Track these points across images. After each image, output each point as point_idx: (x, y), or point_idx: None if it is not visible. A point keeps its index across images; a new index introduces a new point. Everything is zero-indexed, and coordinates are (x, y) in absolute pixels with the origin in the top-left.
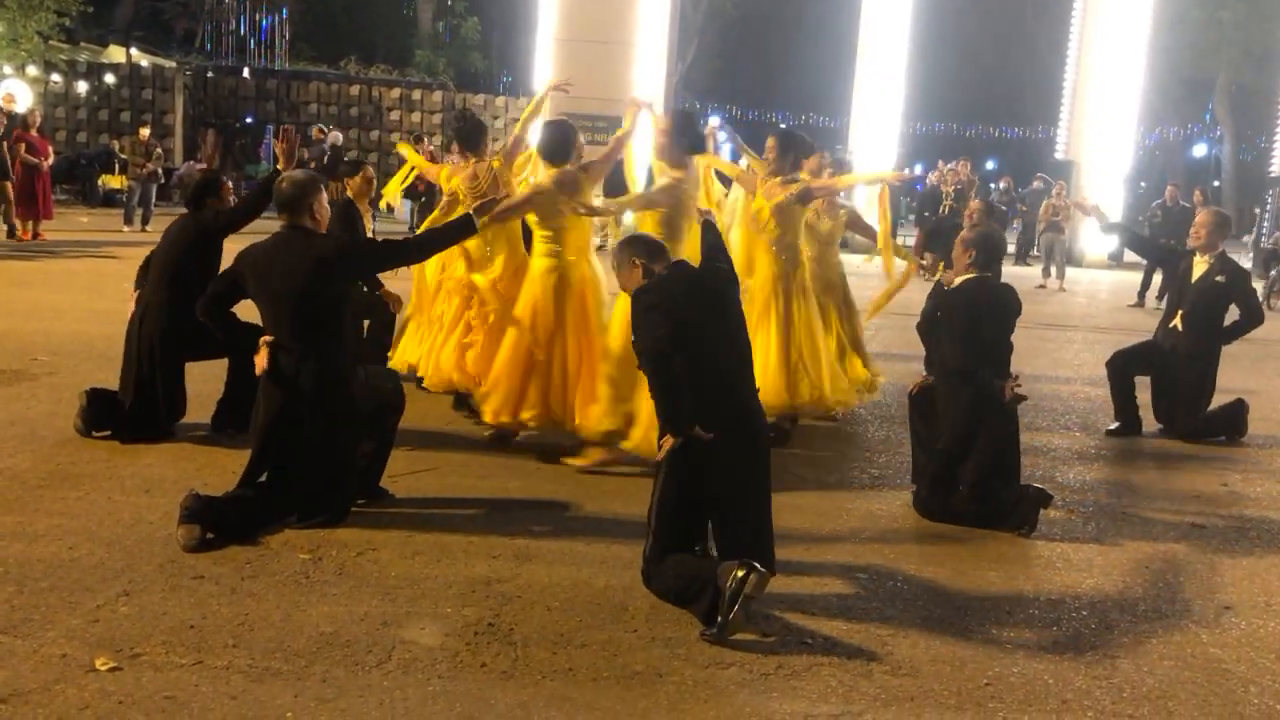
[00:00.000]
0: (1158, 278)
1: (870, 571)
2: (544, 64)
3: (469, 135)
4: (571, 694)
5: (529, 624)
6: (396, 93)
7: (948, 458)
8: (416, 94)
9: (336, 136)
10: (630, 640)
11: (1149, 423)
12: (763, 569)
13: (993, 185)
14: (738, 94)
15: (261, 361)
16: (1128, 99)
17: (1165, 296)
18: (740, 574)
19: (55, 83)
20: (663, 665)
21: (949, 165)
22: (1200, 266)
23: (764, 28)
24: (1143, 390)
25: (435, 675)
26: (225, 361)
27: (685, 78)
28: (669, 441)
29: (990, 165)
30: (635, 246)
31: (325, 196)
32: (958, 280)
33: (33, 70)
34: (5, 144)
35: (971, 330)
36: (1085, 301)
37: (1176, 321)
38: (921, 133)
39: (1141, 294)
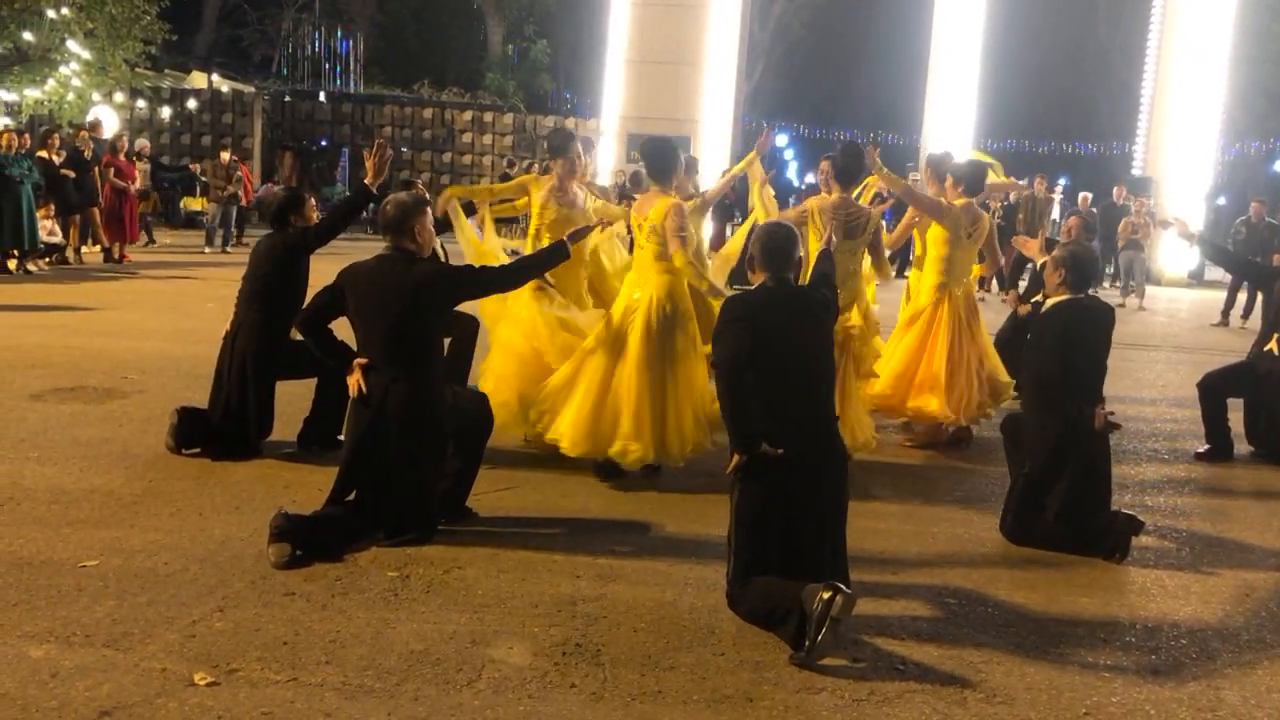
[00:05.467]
0: (1242, 296)
1: (960, 596)
2: (613, 85)
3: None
4: (661, 717)
5: (616, 645)
6: (468, 115)
7: (1034, 483)
8: (488, 116)
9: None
10: (718, 663)
11: (1239, 446)
12: (848, 590)
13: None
14: (806, 112)
15: (355, 385)
16: (1208, 113)
17: (1251, 315)
18: (826, 596)
19: (141, 109)
20: (752, 689)
21: (1022, 181)
22: None
23: (832, 45)
24: (1232, 410)
25: (525, 695)
26: (311, 380)
27: (752, 97)
28: (737, 459)
29: (1063, 182)
30: (753, 248)
31: (429, 220)
32: (1050, 302)
33: (120, 97)
34: (96, 169)
35: (1059, 356)
36: (1166, 320)
37: (1272, 345)
38: (994, 149)
39: (1225, 313)
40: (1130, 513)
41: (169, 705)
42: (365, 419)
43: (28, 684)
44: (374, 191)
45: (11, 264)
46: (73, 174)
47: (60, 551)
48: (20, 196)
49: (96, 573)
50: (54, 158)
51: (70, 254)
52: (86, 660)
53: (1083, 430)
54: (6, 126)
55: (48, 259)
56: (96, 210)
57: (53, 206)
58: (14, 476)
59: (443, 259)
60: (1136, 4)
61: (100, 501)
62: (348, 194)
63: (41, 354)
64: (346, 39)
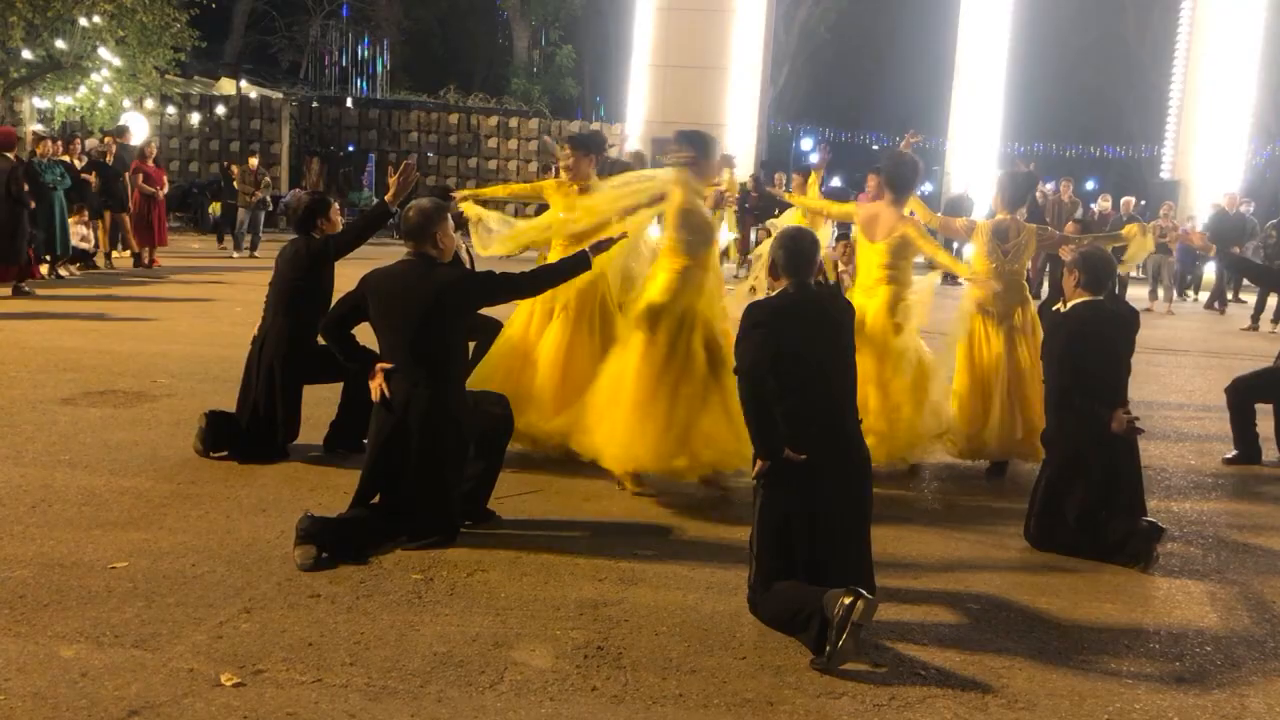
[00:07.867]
0: (1273, 300)
1: (981, 601)
2: (638, 90)
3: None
4: None
5: (638, 648)
6: (494, 120)
7: (1054, 487)
8: (513, 121)
9: None
10: (739, 667)
11: (1268, 452)
12: (870, 596)
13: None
14: (831, 116)
15: (376, 389)
16: (1238, 115)
17: None
18: (848, 601)
19: (170, 115)
20: (773, 694)
21: (1048, 184)
22: None
23: (858, 48)
24: (1263, 417)
25: (547, 698)
26: (338, 384)
27: (777, 101)
28: (760, 464)
29: (1090, 185)
30: (775, 254)
31: (450, 225)
32: (1069, 304)
33: (150, 103)
34: (125, 175)
35: (1073, 356)
36: (1195, 325)
37: None
38: (1020, 153)
39: (1255, 317)
40: (1151, 520)
41: (196, 705)
42: (388, 423)
43: (58, 683)
44: (393, 210)
45: (43, 269)
46: (92, 178)
47: (90, 553)
48: (53, 203)
49: (126, 574)
50: (75, 161)
51: (100, 259)
52: (115, 660)
53: (1100, 433)
54: (41, 134)
55: (79, 264)
56: (126, 215)
57: (86, 212)
58: (45, 479)
59: (468, 264)
60: (1165, 5)
61: (130, 504)
62: (374, 201)
63: (72, 358)
64: (373, 45)
